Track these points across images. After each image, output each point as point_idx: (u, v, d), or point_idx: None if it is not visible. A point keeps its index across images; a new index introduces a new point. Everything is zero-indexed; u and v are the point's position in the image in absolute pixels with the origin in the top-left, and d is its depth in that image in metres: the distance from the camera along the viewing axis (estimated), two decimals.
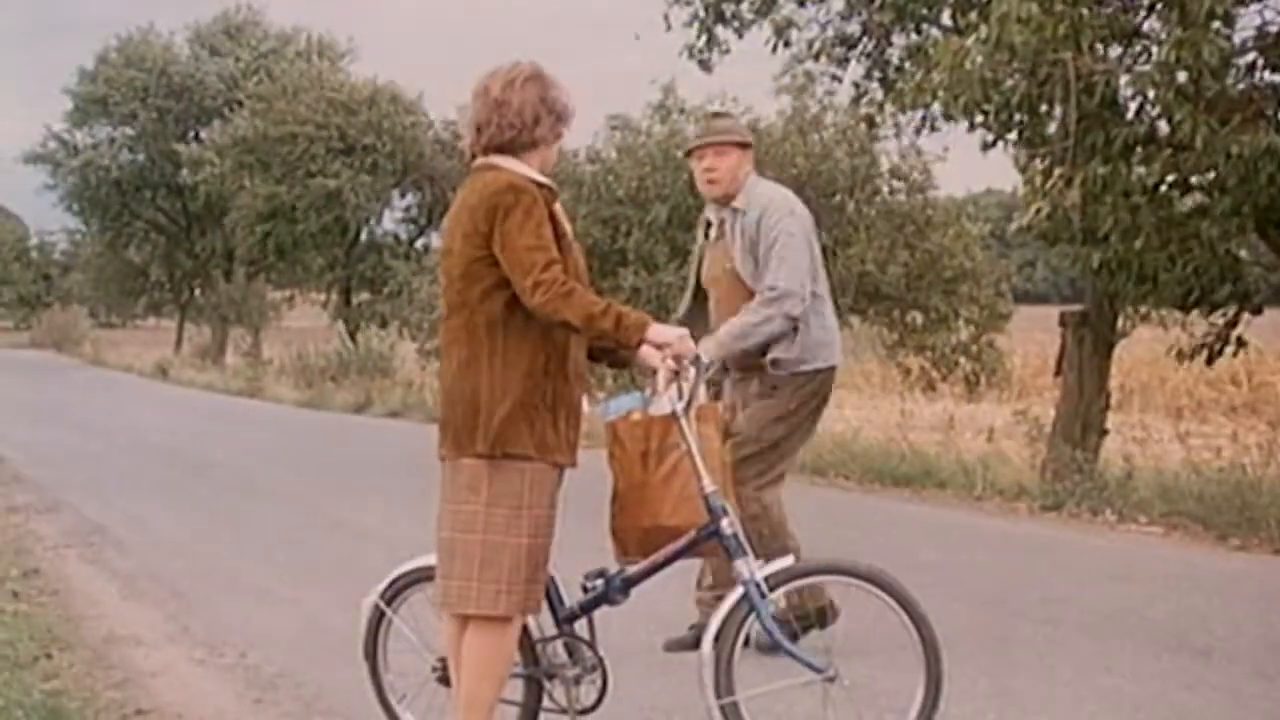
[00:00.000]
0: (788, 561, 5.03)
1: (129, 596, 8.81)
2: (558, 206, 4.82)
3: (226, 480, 14.74)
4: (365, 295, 39.62)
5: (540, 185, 4.74)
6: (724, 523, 4.87)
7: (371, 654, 5.35)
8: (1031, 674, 6.56)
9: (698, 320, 6.98)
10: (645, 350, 4.84)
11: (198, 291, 49.80)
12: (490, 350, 4.69)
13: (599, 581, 5.10)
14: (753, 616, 4.88)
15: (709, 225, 7.18)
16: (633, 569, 5.09)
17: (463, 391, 4.72)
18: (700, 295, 7.23)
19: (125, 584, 9.18)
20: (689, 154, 7.16)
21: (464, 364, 4.73)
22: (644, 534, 5.03)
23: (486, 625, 4.73)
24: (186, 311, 51.16)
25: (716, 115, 7.28)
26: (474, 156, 4.89)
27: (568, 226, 4.84)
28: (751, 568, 4.87)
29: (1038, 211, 10.90)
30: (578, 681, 5.08)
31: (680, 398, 4.92)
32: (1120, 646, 7.09)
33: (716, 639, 4.92)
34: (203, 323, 47.65)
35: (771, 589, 4.89)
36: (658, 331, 4.75)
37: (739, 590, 4.89)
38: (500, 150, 4.80)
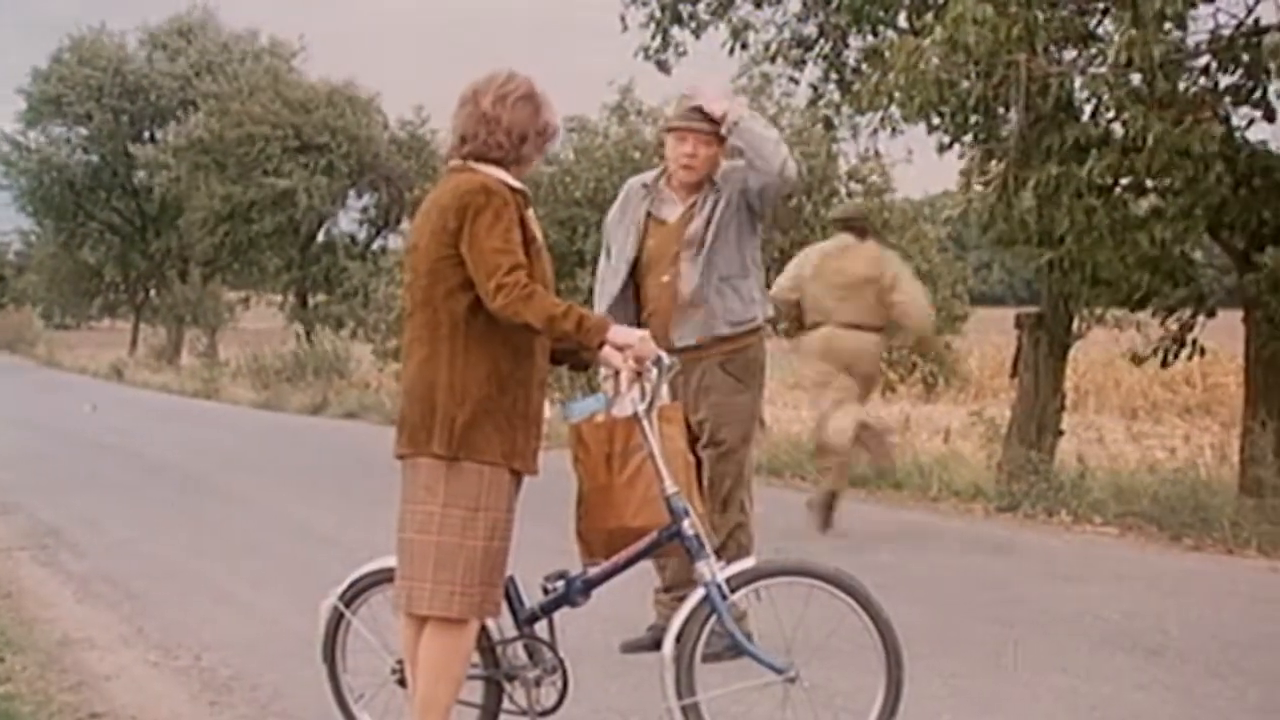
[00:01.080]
0: (750, 563, 5.04)
1: (83, 599, 8.76)
2: (530, 212, 4.82)
3: (182, 482, 14.67)
4: (322, 296, 39.51)
5: (514, 190, 4.74)
6: (685, 524, 4.87)
7: (330, 656, 5.33)
8: (986, 674, 6.59)
9: (622, 311, 6.81)
10: (607, 352, 4.85)
11: (153, 292, 49.48)
12: (451, 350, 4.68)
13: (559, 583, 5.11)
14: (714, 618, 4.89)
15: (648, 214, 7.00)
16: (594, 571, 5.09)
17: (421, 390, 4.72)
18: (627, 285, 6.99)
19: (79, 586, 9.12)
20: (670, 130, 7.05)
21: (424, 362, 4.72)
22: (609, 536, 5.04)
23: (443, 626, 4.72)
24: (142, 313, 50.82)
25: None
26: (450, 157, 4.89)
27: (539, 232, 4.84)
28: (713, 569, 4.87)
29: (993, 211, 10.97)
30: (538, 683, 5.07)
31: (642, 399, 4.92)
32: (1075, 646, 7.13)
33: (678, 640, 4.92)
34: (158, 324, 47.34)
35: (733, 590, 4.89)
36: (619, 333, 4.78)
37: (700, 592, 4.90)
38: (482, 161, 4.80)
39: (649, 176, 7.17)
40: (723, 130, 6.68)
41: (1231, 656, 6.90)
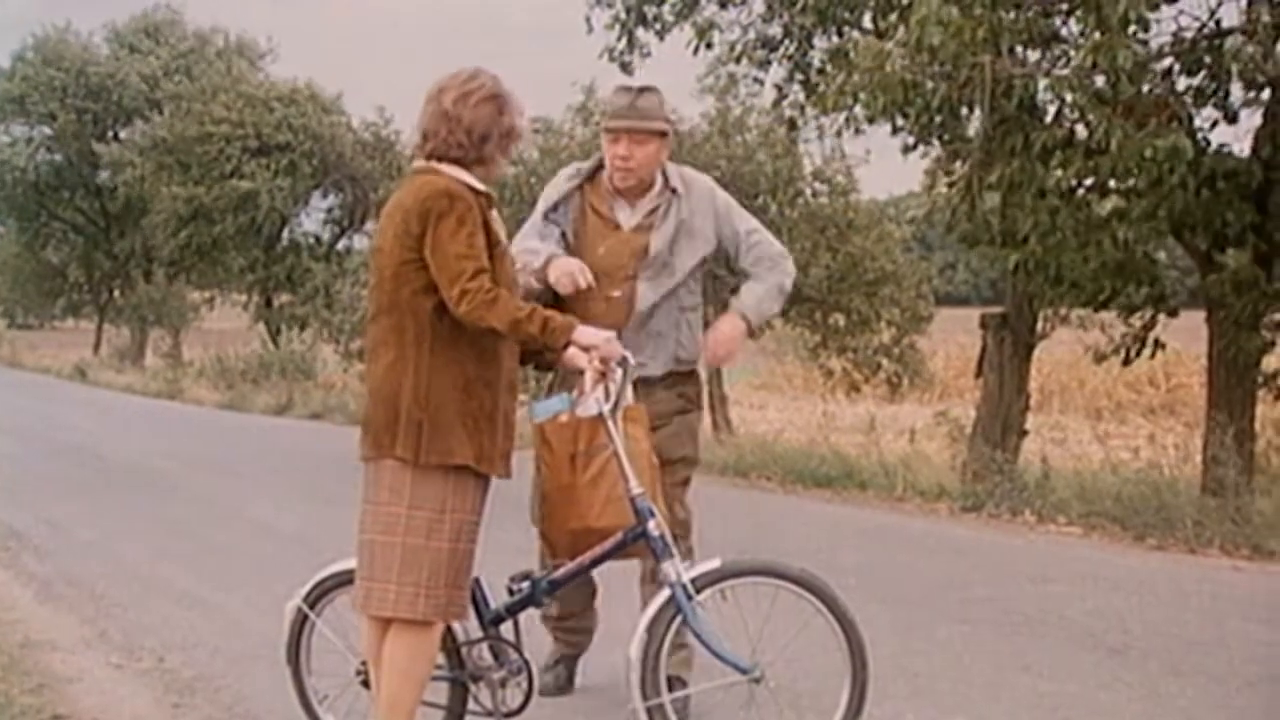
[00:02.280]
0: (715, 564, 5.03)
1: (45, 601, 8.71)
2: (494, 213, 4.80)
3: (146, 483, 14.61)
4: (286, 297, 39.39)
5: (477, 193, 4.73)
6: (650, 524, 4.88)
7: (294, 657, 5.32)
8: (949, 674, 6.61)
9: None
10: (572, 352, 4.85)
11: (117, 293, 49.29)
12: (418, 354, 4.68)
13: (525, 584, 5.11)
14: (679, 618, 4.89)
15: (593, 209, 6.19)
16: (558, 572, 5.10)
17: (386, 393, 4.71)
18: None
19: (41, 588, 9.07)
20: (605, 129, 6.16)
21: (390, 365, 4.71)
22: (572, 536, 5.04)
23: (407, 628, 4.72)
24: (105, 313, 50.64)
25: (643, 90, 6.06)
26: (415, 156, 4.88)
27: (503, 234, 4.83)
28: (679, 569, 4.88)
29: (956, 211, 11.01)
30: (503, 684, 5.08)
31: (607, 399, 4.92)
32: (1038, 646, 7.15)
33: (644, 640, 4.93)
34: (122, 324, 47.15)
35: (699, 590, 4.90)
36: (584, 334, 4.78)
37: (666, 592, 4.90)
38: (443, 160, 4.78)
39: (586, 166, 6.29)
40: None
41: (1194, 655, 6.94)
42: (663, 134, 6.09)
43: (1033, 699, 6.19)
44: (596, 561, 5.08)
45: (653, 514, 4.91)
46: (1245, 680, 6.48)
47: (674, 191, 6.09)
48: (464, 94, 4.76)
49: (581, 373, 4.98)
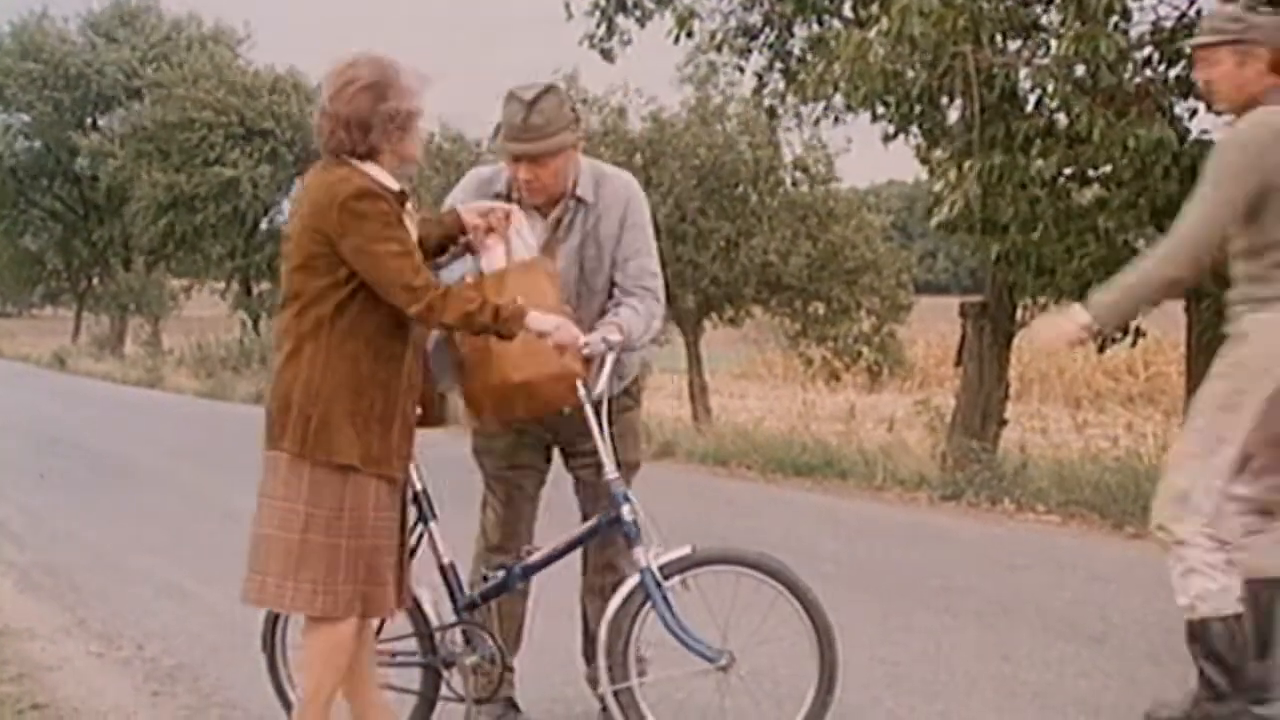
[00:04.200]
0: (685, 550, 5.01)
1: (24, 589, 8.70)
2: (409, 208, 4.74)
3: (125, 472, 14.58)
4: (266, 285, 39.33)
5: (391, 191, 4.66)
6: (625, 509, 4.87)
7: (270, 646, 5.32)
8: (929, 661, 6.61)
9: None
10: (533, 318, 4.73)
11: (96, 280, 49.21)
12: (314, 348, 4.62)
13: (499, 571, 5.10)
14: (649, 604, 4.88)
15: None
16: (532, 558, 5.09)
17: (281, 385, 4.67)
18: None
19: (20, 577, 9.06)
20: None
21: (288, 356, 4.66)
22: (495, 393, 4.97)
23: (319, 623, 4.67)
24: (85, 300, 50.55)
25: (535, 101, 5.21)
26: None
27: (415, 232, 4.75)
28: (648, 556, 4.87)
29: (952, 205, 11.01)
30: (475, 670, 5.07)
31: (509, 253, 4.93)
32: (1017, 634, 7.16)
33: (611, 626, 4.92)
34: (101, 312, 47.10)
35: (666, 577, 4.89)
36: (536, 320, 4.72)
37: (635, 578, 4.89)
38: (337, 157, 4.71)
39: (493, 174, 5.54)
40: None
41: (1172, 643, 6.93)
42: (574, 144, 5.40)
43: (1011, 687, 6.19)
44: (570, 547, 5.09)
45: (628, 499, 4.90)
46: None
47: (579, 200, 5.40)
48: (339, 89, 4.65)
49: (488, 231, 4.99)
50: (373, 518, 4.67)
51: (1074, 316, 5.56)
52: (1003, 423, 13.26)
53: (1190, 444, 5.51)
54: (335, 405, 4.59)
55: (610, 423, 5.10)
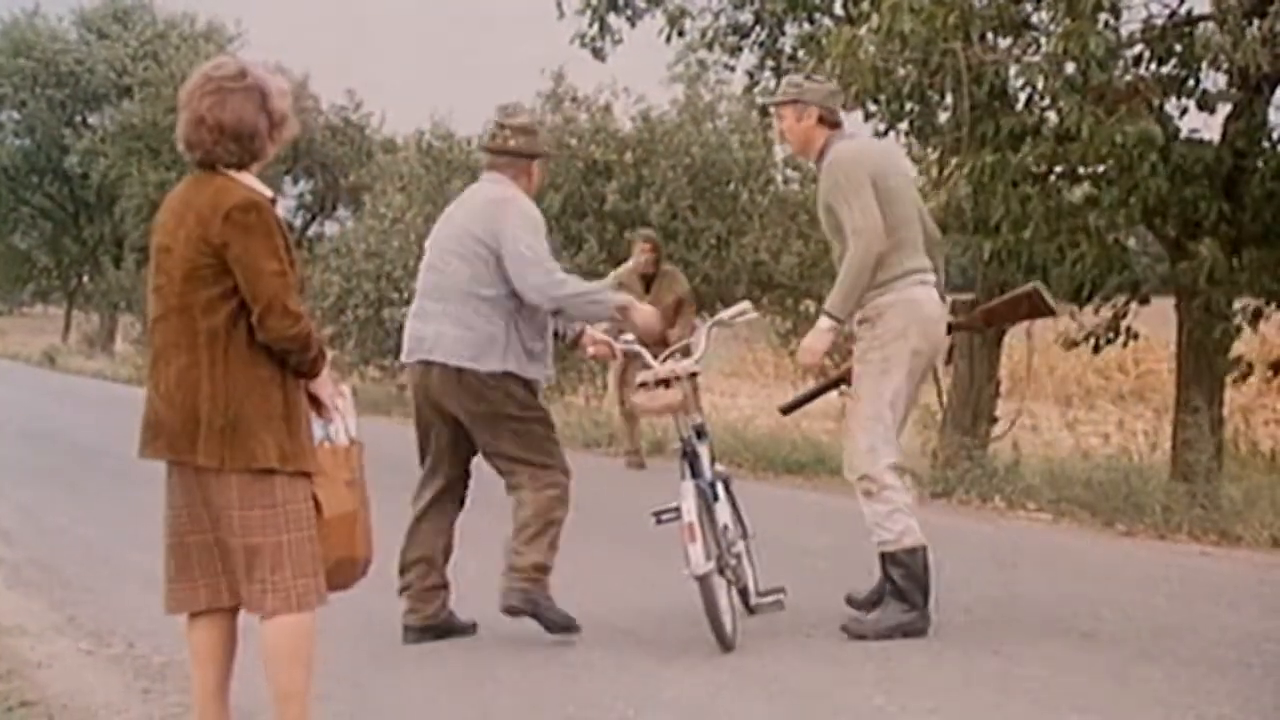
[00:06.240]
0: None
1: (14, 586, 8.68)
2: (279, 212, 4.75)
3: (115, 469, 14.46)
4: None
5: (268, 199, 4.68)
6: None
7: None
8: (919, 658, 6.61)
9: None
10: (320, 380, 4.85)
11: (86, 278, 49.09)
12: (211, 359, 4.61)
13: None
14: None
15: None
16: None
17: (182, 397, 4.65)
18: None
19: (10, 573, 9.04)
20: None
21: (185, 369, 4.65)
22: (336, 566, 4.90)
23: (287, 620, 4.69)
24: (75, 299, 50.44)
25: (523, 129, 7.19)
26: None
27: (288, 235, 4.75)
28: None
29: (937, 201, 11.02)
30: None
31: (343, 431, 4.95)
32: (1008, 631, 7.16)
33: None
34: (91, 310, 46.99)
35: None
36: (322, 382, 4.83)
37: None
38: (214, 168, 4.69)
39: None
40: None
41: (1163, 640, 6.96)
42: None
43: (1002, 683, 6.20)
44: None
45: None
46: (1213, 665, 6.50)
47: None
48: (216, 100, 4.63)
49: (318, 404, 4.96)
50: (304, 510, 4.70)
51: (819, 327, 6.93)
52: (993, 420, 13.26)
53: (864, 409, 6.93)
54: (245, 412, 4.59)
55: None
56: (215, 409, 4.59)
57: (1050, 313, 7.97)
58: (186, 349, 4.63)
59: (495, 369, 6.73)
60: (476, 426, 6.80)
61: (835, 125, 7.17)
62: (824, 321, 6.93)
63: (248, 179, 4.68)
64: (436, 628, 6.93)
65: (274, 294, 4.54)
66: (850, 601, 7.25)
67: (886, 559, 6.93)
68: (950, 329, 7.33)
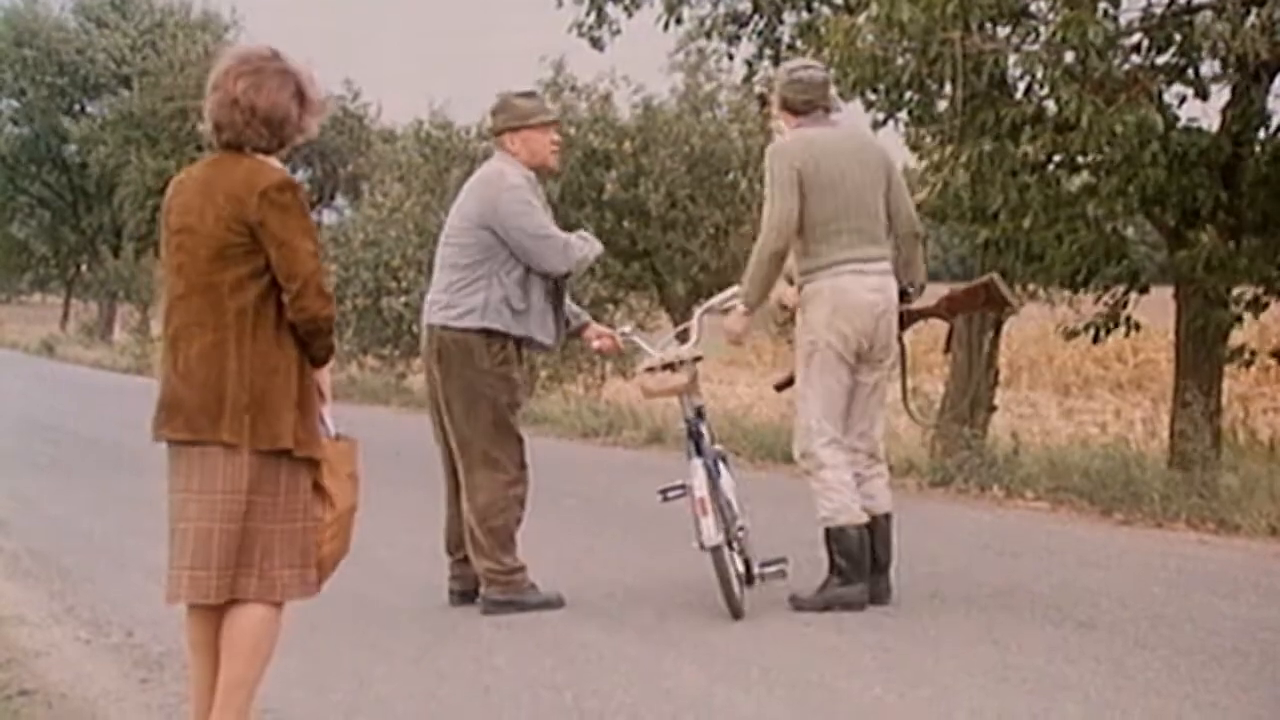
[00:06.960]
0: None
1: (12, 575, 8.68)
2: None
3: (114, 458, 14.54)
4: None
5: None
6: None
7: None
8: (917, 647, 6.62)
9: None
10: (324, 370, 4.86)
11: (85, 267, 49.08)
12: (239, 338, 4.60)
13: None
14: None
15: None
16: None
17: (203, 376, 4.62)
18: None
19: (9, 563, 9.04)
20: (548, 124, 7.54)
21: (209, 347, 4.61)
22: (335, 564, 4.92)
23: (263, 609, 4.70)
24: (73, 288, 50.44)
25: (498, 107, 7.57)
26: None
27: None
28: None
29: (932, 188, 11.02)
30: None
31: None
32: (1005, 619, 7.16)
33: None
34: (90, 299, 46.99)
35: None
36: (323, 373, 4.84)
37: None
38: (241, 151, 4.69)
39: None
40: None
41: (1161, 629, 6.96)
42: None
43: (1000, 672, 6.20)
44: None
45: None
46: (1211, 654, 6.50)
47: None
48: (255, 83, 4.63)
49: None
50: (304, 500, 4.69)
51: (735, 310, 7.40)
52: (992, 409, 13.26)
53: (799, 391, 7.34)
54: (272, 392, 4.60)
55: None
56: (241, 386, 4.58)
57: (1006, 303, 8.32)
58: (212, 328, 4.60)
59: (471, 325, 7.03)
60: (442, 392, 7.15)
61: (799, 112, 7.30)
62: (739, 306, 7.40)
63: (274, 163, 4.69)
64: (478, 592, 7.25)
65: (310, 273, 4.58)
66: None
67: (827, 534, 7.25)
68: (905, 318, 7.54)
